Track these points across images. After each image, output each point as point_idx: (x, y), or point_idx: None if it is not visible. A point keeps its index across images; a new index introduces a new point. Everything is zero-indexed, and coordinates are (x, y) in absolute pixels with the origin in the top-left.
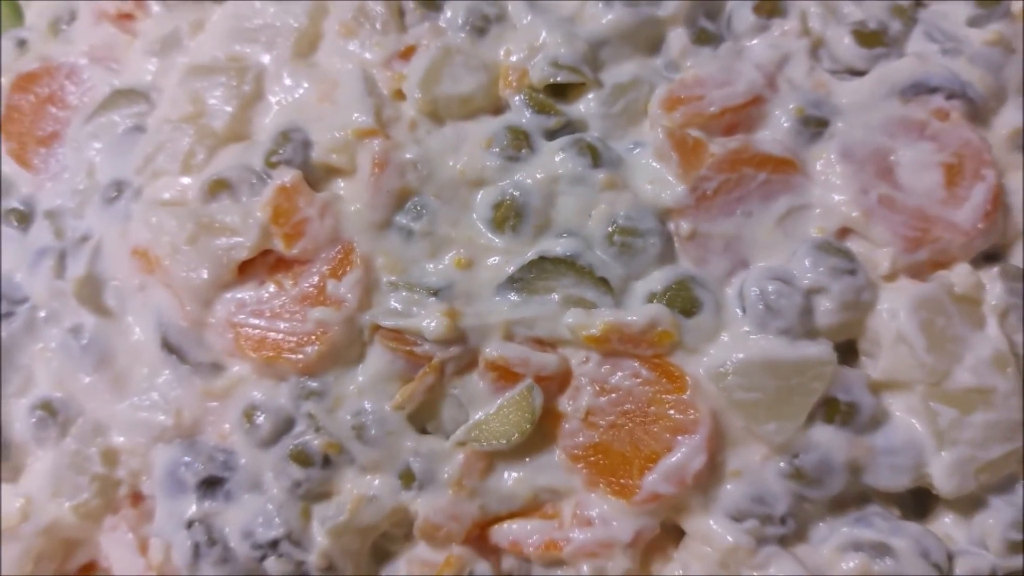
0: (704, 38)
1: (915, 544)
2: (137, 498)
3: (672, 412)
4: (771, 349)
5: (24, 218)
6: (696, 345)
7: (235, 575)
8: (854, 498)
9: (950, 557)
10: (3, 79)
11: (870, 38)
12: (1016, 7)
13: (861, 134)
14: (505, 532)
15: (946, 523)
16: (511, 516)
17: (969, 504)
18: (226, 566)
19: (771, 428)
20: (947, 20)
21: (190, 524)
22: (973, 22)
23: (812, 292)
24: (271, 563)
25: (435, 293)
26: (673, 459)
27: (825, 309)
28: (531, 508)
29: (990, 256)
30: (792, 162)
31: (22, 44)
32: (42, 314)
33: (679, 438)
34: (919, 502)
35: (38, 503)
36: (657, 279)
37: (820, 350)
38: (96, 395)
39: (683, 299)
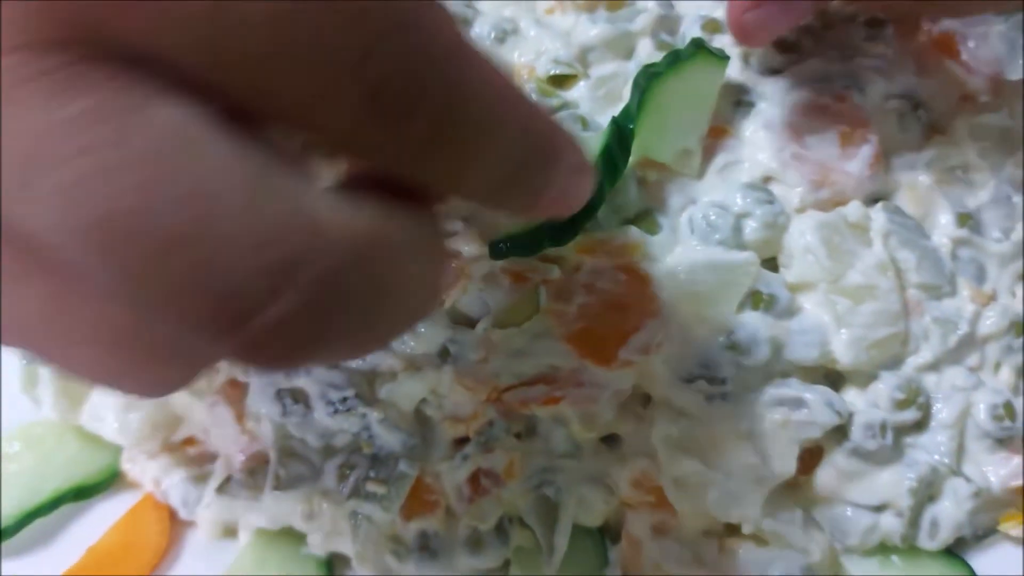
0: (664, 47)
1: (822, 397)
2: (234, 384)
3: (640, 303)
4: (711, 255)
5: None
6: (658, 255)
7: (313, 430)
8: (779, 374)
9: (851, 414)
10: None
11: (788, 47)
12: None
13: (779, 111)
14: (517, 394)
15: (850, 394)
16: (522, 385)
17: (866, 378)
18: (305, 421)
19: (713, 312)
20: (846, 37)
21: (278, 392)
22: (866, 38)
23: (741, 216)
24: (341, 416)
25: (466, 220)
26: (640, 336)
27: (751, 228)
28: (537, 379)
29: (876, 199)
30: (727, 130)
31: None
32: None
33: (645, 320)
34: (830, 383)
35: None
36: (631, 210)
37: (747, 255)
38: None
39: (648, 224)
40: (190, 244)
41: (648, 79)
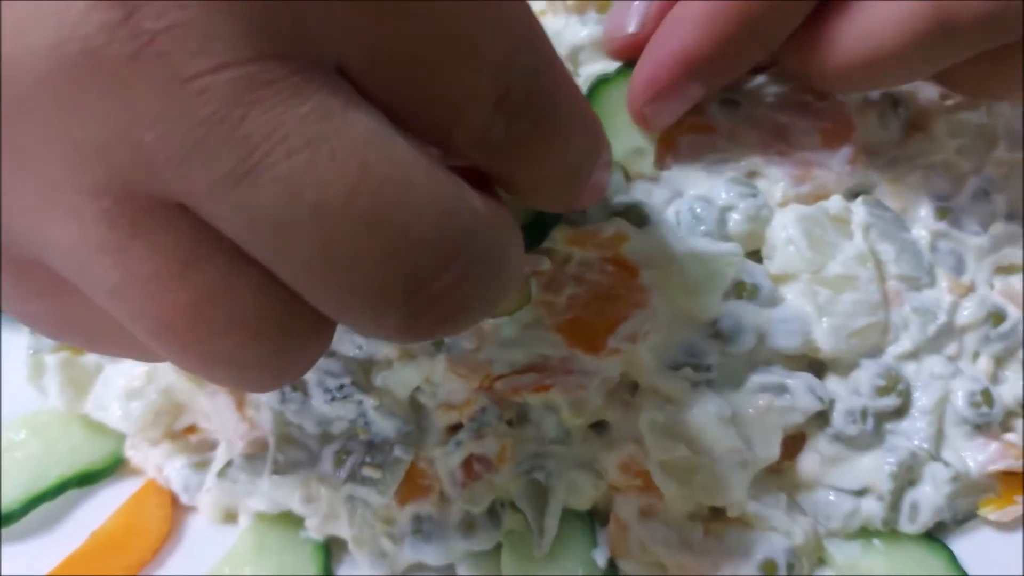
0: None
1: (805, 383)
2: None
3: (628, 293)
4: (697, 245)
5: None
6: (645, 246)
7: (311, 417)
8: (762, 362)
9: (832, 400)
10: None
11: None
12: None
13: (762, 110)
14: (509, 382)
15: (832, 381)
16: (513, 373)
17: (847, 366)
18: (303, 408)
19: (698, 301)
20: None
21: None
22: None
23: (726, 209)
24: (338, 404)
25: None
26: (628, 325)
27: (735, 221)
28: (528, 367)
29: (857, 194)
30: (713, 127)
31: None
32: None
33: (633, 310)
34: (813, 371)
35: (159, 370)
36: (619, 204)
37: (731, 246)
38: None
39: (636, 216)
40: (391, 218)
41: (595, 83)
